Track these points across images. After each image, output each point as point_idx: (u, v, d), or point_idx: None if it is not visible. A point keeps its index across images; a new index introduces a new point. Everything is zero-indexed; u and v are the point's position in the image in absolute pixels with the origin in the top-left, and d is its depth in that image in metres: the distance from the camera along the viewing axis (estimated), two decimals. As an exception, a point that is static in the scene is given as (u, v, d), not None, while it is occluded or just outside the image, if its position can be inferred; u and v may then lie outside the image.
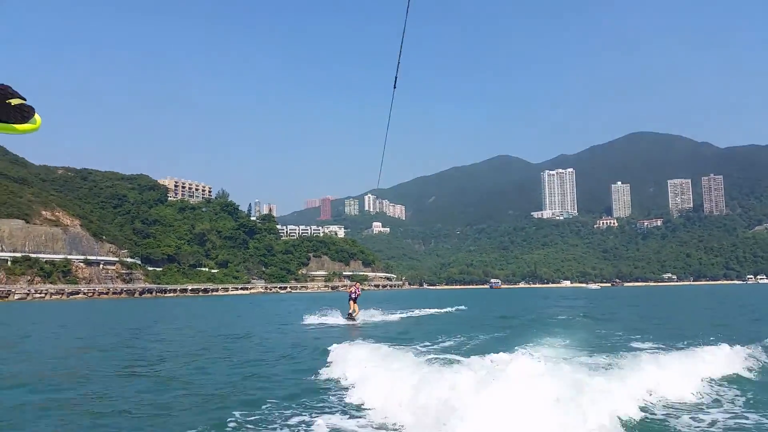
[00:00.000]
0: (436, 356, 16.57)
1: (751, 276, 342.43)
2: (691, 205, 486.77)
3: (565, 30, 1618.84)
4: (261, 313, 58.73)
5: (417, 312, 46.59)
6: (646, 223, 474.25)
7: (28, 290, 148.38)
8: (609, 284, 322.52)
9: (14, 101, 3.04)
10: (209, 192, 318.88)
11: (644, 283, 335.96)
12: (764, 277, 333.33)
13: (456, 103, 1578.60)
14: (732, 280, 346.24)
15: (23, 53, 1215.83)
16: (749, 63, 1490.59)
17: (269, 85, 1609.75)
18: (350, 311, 38.09)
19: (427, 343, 21.92)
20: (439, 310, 49.81)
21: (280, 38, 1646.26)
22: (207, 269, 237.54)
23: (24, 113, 3.08)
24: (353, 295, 38.90)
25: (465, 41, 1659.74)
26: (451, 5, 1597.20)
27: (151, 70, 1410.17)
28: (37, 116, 3.17)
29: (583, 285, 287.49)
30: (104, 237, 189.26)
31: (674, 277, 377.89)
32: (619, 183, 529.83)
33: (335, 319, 37.69)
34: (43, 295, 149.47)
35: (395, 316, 41.44)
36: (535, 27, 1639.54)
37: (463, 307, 55.27)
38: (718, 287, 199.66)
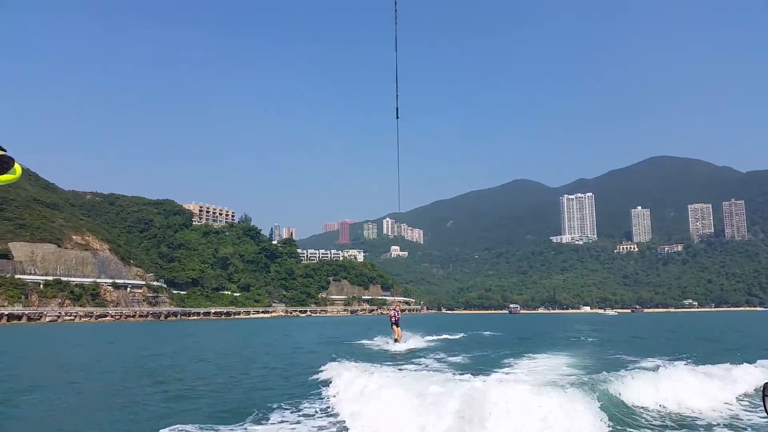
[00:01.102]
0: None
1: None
2: (713, 230, 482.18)
3: (582, 52, 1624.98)
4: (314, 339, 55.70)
5: (450, 335, 48.99)
6: (666, 249, 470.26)
7: (59, 312, 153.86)
8: (629, 310, 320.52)
9: None
10: (232, 216, 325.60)
11: (665, 309, 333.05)
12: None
13: (473, 127, 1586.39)
14: (755, 306, 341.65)
15: (43, 71, 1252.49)
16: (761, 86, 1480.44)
17: (286, 108, 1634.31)
18: (396, 337, 36.11)
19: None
20: (465, 334, 52.90)
21: (297, 64, 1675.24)
22: (229, 292, 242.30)
23: (3, 164, 3.00)
24: (393, 319, 36.88)
25: (479, 64, 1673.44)
26: (463, 24, 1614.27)
27: (172, 95, 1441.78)
28: (17, 166, 3.01)
29: (601, 311, 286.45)
30: (132, 261, 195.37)
31: (695, 303, 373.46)
32: (639, 207, 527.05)
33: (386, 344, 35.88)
34: (72, 317, 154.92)
35: (432, 339, 42.60)
36: (552, 48, 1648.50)
37: (488, 333, 58.39)
38: (739, 314, 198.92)
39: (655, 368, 20.33)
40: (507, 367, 24.72)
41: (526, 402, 11.28)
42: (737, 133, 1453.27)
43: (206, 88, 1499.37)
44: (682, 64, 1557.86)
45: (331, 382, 18.79)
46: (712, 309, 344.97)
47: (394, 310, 37.64)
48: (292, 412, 15.01)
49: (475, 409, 11.37)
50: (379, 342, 37.34)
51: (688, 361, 25.28)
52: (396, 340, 35.73)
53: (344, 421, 13.71)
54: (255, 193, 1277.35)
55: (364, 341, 38.60)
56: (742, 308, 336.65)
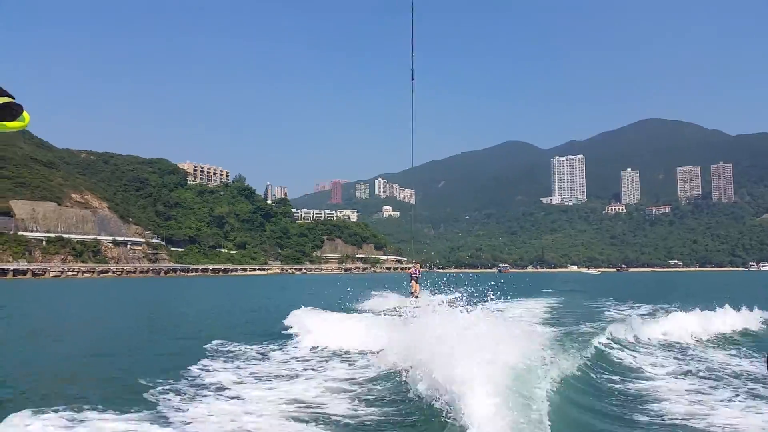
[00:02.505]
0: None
1: (754, 263, 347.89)
2: (700, 192, 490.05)
3: (576, 16, 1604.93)
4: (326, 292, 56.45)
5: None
6: (654, 210, 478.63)
7: (62, 268, 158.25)
8: (614, 269, 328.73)
9: (2, 99, 3.02)
10: (227, 176, 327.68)
11: (650, 269, 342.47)
12: (766, 264, 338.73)
13: (466, 88, 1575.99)
14: (737, 267, 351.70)
15: (34, 35, 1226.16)
16: (759, 52, 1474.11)
17: (277, 68, 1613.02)
18: (413, 291, 38.12)
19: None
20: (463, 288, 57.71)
21: (289, 24, 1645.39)
22: (226, 250, 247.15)
23: (13, 111, 3.06)
24: (414, 275, 38.99)
25: (474, 25, 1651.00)
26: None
27: (164, 56, 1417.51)
28: (25, 113, 2.97)
29: (585, 270, 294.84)
30: (131, 219, 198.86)
31: (680, 263, 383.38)
32: (629, 170, 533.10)
33: (396, 300, 36.57)
34: (75, 273, 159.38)
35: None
36: (547, 12, 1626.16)
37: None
38: (718, 274, 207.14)
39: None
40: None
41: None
42: (727, 97, 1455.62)
43: (197, 49, 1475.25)
44: (674, 29, 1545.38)
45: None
46: (697, 269, 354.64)
47: (414, 267, 39.80)
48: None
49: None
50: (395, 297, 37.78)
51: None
52: (413, 293, 37.75)
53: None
54: (246, 153, 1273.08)
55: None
56: (725, 268, 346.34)
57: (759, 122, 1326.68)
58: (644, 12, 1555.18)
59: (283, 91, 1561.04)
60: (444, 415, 9.11)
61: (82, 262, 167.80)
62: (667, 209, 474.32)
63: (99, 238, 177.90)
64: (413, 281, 38.77)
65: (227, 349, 17.44)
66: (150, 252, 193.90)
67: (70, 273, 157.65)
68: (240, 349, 17.32)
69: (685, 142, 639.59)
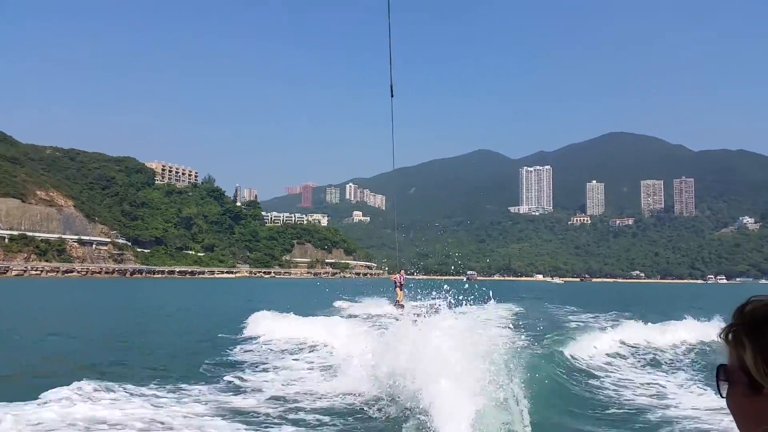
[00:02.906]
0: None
1: (712, 276, 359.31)
2: (663, 205, 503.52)
3: (548, 27, 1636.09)
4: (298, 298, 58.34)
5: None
6: (618, 222, 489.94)
7: (25, 267, 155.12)
8: (578, 279, 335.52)
9: None
10: (195, 176, 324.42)
11: (612, 279, 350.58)
12: (723, 277, 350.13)
13: (438, 96, 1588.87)
14: (696, 279, 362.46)
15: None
16: (725, 70, 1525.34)
17: (251, 67, 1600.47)
18: (397, 299, 37.06)
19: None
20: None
21: (260, 23, 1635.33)
22: (193, 252, 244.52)
23: None
24: (399, 283, 38.05)
25: (448, 34, 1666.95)
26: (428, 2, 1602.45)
27: (133, 49, 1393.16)
28: None
29: (549, 279, 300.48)
30: (97, 218, 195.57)
31: (642, 274, 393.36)
32: (594, 182, 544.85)
33: (383, 307, 36.39)
34: (39, 272, 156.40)
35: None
36: (519, 22, 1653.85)
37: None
38: (678, 286, 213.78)
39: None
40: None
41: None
42: (692, 114, 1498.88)
43: (167, 45, 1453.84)
44: (645, 46, 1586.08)
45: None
46: (658, 280, 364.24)
47: (399, 275, 38.62)
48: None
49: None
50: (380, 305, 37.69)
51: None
52: (398, 302, 36.67)
53: None
54: (216, 153, 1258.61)
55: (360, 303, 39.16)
56: (685, 281, 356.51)
57: (721, 139, 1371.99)
58: (613, 27, 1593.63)
59: (255, 92, 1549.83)
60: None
61: (46, 261, 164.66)
62: (631, 221, 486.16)
63: (64, 237, 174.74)
64: (397, 289, 37.90)
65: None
66: (116, 252, 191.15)
67: (34, 272, 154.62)
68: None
69: (649, 156, 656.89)
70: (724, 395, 1.25)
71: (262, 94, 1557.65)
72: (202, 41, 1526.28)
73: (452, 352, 11.48)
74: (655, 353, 20.47)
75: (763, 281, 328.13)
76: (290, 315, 25.70)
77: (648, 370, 17.11)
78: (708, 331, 26.10)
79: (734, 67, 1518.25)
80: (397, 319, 25.70)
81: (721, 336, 1.38)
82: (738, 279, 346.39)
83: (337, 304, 39.08)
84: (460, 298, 19.74)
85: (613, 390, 14.21)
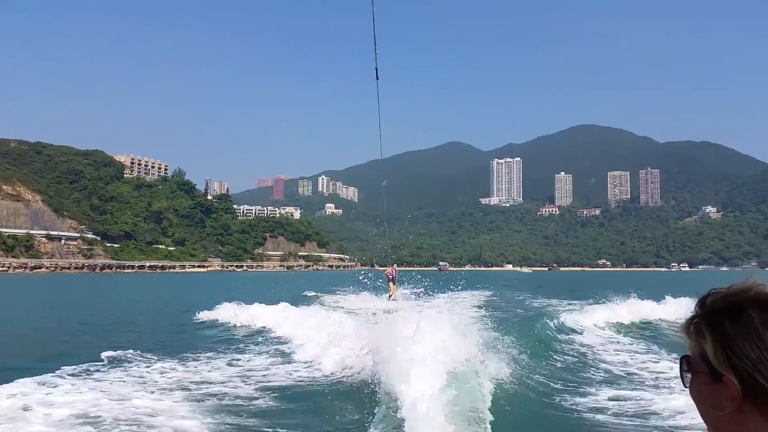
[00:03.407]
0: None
1: (676, 264, 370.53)
2: (629, 196, 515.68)
3: (518, 20, 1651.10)
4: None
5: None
6: (585, 212, 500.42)
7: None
8: (546, 268, 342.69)
9: None
10: (165, 170, 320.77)
11: (579, 268, 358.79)
12: (686, 265, 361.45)
13: (411, 88, 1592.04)
14: (661, 267, 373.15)
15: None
16: (690, 63, 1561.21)
17: (220, 59, 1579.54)
18: (390, 293, 37.20)
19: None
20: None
21: (231, 16, 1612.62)
22: (164, 247, 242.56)
23: None
24: (391, 276, 38.23)
25: (417, 26, 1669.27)
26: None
27: (100, 40, 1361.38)
28: None
29: (518, 269, 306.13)
30: (65, 213, 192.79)
31: (608, 263, 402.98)
32: (563, 173, 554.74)
33: (374, 301, 36.29)
34: (6, 268, 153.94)
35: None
36: (488, 15, 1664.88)
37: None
38: (643, 273, 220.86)
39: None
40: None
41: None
42: (658, 106, 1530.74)
43: (134, 36, 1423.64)
44: (612, 39, 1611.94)
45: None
46: (624, 269, 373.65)
47: (392, 268, 38.73)
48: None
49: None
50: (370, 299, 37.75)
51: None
52: (390, 296, 36.83)
53: None
54: (185, 146, 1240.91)
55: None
56: (649, 269, 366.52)
57: (686, 131, 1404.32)
58: (581, 20, 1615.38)
59: (224, 83, 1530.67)
60: (386, 411, 9.87)
61: (14, 257, 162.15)
62: (598, 212, 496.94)
63: (32, 232, 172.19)
64: (390, 282, 37.87)
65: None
66: (85, 247, 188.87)
67: (1, 269, 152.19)
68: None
69: (616, 147, 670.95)
70: (688, 385, 1.28)
71: (232, 86, 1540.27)
72: (170, 33, 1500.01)
73: (427, 334, 11.73)
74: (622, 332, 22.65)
75: (724, 268, 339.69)
76: (257, 305, 26.94)
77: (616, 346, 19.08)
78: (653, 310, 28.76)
79: (699, 60, 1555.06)
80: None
81: (683, 328, 1.43)
82: (700, 266, 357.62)
83: (328, 296, 39.43)
84: (433, 287, 21.82)
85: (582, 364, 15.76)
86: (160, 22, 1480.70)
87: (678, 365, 1.36)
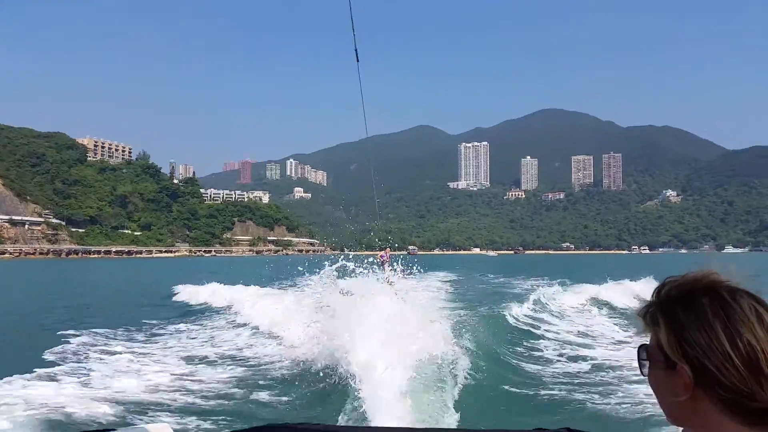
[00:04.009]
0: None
1: (636, 247, 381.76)
2: (592, 180, 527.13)
3: (484, 4, 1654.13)
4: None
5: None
6: (550, 196, 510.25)
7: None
8: (512, 252, 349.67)
9: None
10: (129, 153, 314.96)
11: (544, 251, 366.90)
12: (646, 248, 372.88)
13: (380, 71, 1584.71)
14: (622, 250, 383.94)
15: None
16: (652, 48, 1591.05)
17: (184, 40, 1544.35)
18: (386, 277, 39.09)
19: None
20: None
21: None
22: (130, 231, 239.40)
23: None
24: (382, 260, 36.74)
25: (386, 11, 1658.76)
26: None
27: (59, 20, 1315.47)
28: None
29: (484, 252, 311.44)
30: (28, 197, 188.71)
31: (572, 246, 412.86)
32: (529, 157, 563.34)
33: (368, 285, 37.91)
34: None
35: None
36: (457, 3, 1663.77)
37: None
38: (604, 256, 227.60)
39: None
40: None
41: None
42: (622, 92, 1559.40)
43: (95, 21, 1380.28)
44: (576, 25, 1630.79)
45: None
46: (587, 251, 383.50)
47: (384, 252, 37.53)
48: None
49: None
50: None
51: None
52: (387, 279, 37.51)
53: None
54: (149, 129, 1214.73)
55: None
56: (612, 251, 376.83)
57: (648, 115, 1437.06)
58: (547, 3, 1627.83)
59: (189, 64, 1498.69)
60: (349, 393, 9.64)
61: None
62: (562, 195, 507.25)
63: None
64: (385, 266, 35.94)
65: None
66: (50, 232, 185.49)
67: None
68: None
69: (581, 132, 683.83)
70: (646, 374, 1.23)
71: (196, 67, 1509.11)
72: (132, 14, 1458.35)
73: (392, 319, 11.70)
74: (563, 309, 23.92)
75: (684, 251, 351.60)
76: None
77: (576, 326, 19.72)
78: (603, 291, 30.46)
79: (662, 45, 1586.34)
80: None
81: (640, 316, 1.37)
82: (660, 249, 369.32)
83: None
84: (403, 269, 23.10)
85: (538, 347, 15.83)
86: (121, 3, 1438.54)
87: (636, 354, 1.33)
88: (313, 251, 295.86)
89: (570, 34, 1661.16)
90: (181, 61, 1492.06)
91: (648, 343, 1.30)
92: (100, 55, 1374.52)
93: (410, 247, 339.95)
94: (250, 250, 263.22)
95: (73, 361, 13.56)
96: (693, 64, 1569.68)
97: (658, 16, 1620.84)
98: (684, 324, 1.25)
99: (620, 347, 15.61)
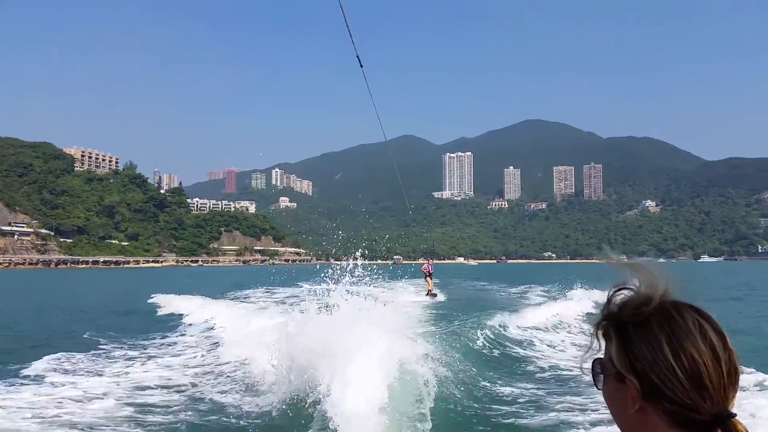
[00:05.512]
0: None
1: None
2: (573, 190, 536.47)
3: (468, 11, 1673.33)
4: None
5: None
6: (532, 206, 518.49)
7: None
8: (495, 261, 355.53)
9: None
10: (116, 163, 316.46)
11: (527, 261, 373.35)
12: (624, 257, 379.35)
13: (363, 81, 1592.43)
14: (603, 259, 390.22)
15: None
16: (632, 59, 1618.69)
17: (169, 48, 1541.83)
18: (429, 289, 36.78)
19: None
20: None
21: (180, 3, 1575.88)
22: (117, 242, 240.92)
23: None
24: (427, 272, 37.99)
25: (371, 20, 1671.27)
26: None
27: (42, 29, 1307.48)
28: None
29: (465, 262, 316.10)
30: (17, 208, 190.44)
31: (554, 255, 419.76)
32: (511, 167, 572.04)
33: (415, 297, 35.97)
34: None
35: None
36: (440, 6, 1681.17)
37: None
38: (584, 265, 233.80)
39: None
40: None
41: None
42: (603, 103, 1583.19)
43: (79, 30, 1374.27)
44: (558, 37, 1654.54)
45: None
46: (568, 260, 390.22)
47: (428, 263, 38.60)
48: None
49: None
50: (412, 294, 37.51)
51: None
52: (429, 291, 36.55)
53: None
54: (133, 138, 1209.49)
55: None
56: (592, 260, 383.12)
57: (628, 126, 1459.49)
58: (530, 15, 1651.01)
59: (173, 73, 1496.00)
60: (319, 410, 9.29)
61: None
62: (544, 205, 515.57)
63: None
64: (428, 278, 37.58)
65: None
66: (39, 243, 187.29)
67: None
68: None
69: (563, 142, 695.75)
70: (601, 387, 1.34)
71: (180, 76, 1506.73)
72: (116, 23, 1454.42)
73: (370, 327, 11.32)
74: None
75: (662, 260, 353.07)
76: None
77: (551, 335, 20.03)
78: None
79: (642, 57, 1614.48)
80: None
81: (593, 330, 1.40)
82: (640, 258, 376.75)
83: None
84: (388, 277, 25.77)
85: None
86: (106, 9, 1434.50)
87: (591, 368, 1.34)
88: (300, 261, 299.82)
89: (551, 46, 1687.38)
90: (164, 69, 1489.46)
91: (602, 356, 1.30)
92: (85, 65, 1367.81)
93: (395, 257, 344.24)
94: (237, 260, 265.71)
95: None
96: (672, 76, 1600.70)
97: (637, 29, 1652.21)
98: (632, 338, 1.29)
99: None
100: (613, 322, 1.36)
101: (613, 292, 1.40)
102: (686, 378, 1.19)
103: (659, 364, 1.22)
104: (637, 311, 1.30)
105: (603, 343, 1.39)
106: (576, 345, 17.68)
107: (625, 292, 1.38)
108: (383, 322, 12.51)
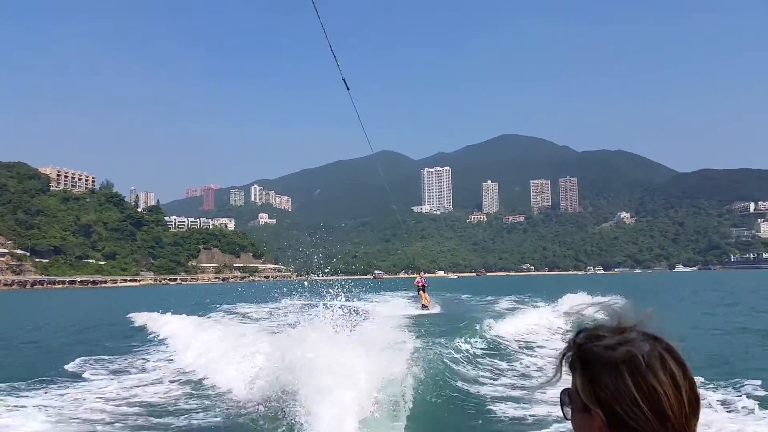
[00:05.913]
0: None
1: (591, 267, 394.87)
2: (550, 203, 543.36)
3: (441, 28, 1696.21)
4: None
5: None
6: (510, 219, 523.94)
7: None
8: (474, 273, 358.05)
9: None
10: (92, 182, 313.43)
11: (505, 273, 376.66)
12: (601, 268, 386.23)
13: (344, 96, 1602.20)
14: (579, 270, 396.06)
15: None
16: (606, 73, 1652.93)
17: (145, 65, 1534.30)
18: (423, 303, 36.85)
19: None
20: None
21: (159, 18, 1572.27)
22: (94, 261, 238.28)
23: None
24: (420, 285, 37.93)
25: (351, 34, 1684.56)
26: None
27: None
28: None
29: (445, 275, 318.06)
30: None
31: (532, 267, 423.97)
32: (489, 181, 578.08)
33: (408, 309, 36.41)
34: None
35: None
36: (416, 23, 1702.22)
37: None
38: (561, 276, 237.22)
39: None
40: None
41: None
42: (576, 117, 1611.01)
43: (54, 46, 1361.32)
44: (539, 52, 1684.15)
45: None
46: (546, 273, 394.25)
47: (421, 277, 38.74)
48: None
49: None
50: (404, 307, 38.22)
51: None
52: (424, 305, 36.49)
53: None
54: (108, 156, 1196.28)
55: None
56: (569, 272, 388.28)
57: (602, 140, 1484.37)
58: (506, 28, 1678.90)
59: (149, 88, 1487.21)
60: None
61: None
62: (522, 218, 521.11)
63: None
64: (421, 291, 37.51)
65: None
66: (14, 263, 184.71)
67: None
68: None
69: (539, 156, 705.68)
70: (569, 417, 1.55)
71: (156, 92, 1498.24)
72: (90, 40, 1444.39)
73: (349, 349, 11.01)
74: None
75: (638, 271, 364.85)
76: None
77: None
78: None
79: (615, 70, 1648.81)
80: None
81: (558, 361, 1.44)
82: (616, 269, 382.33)
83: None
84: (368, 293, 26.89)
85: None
86: (78, 26, 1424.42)
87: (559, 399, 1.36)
88: (280, 277, 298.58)
89: (526, 61, 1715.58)
90: (141, 86, 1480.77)
91: (570, 387, 1.50)
92: (60, 83, 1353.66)
93: (376, 271, 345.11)
94: (216, 277, 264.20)
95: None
96: (644, 90, 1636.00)
97: (609, 43, 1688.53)
98: (597, 370, 1.34)
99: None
100: (578, 353, 1.40)
101: (579, 330, 1.46)
102: (649, 409, 1.23)
103: (623, 395, 1.26)
104: (605, 346, 1.34)
105: (562, 374, 1.49)
106: (551, 356, 17.15)
107: (587, 328, 1.45)
108: (364, 337, 12.50)
